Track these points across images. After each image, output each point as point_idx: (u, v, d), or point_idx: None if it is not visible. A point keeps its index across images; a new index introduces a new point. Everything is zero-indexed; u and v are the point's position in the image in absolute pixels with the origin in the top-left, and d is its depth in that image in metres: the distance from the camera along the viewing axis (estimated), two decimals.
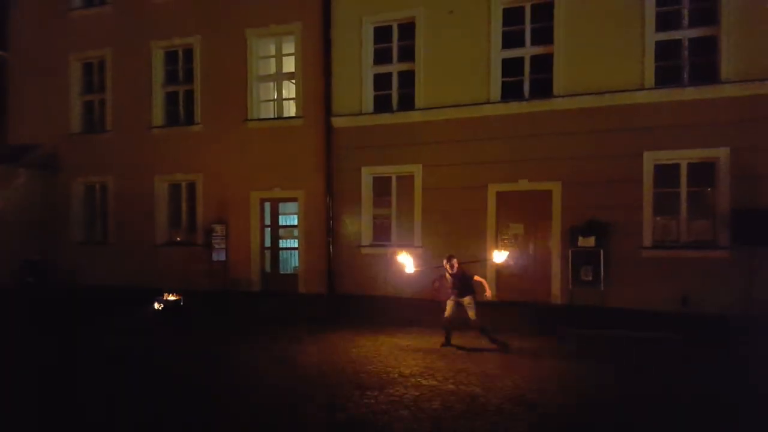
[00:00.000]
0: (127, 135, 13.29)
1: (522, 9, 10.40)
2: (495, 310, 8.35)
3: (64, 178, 13.90)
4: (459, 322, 7.45)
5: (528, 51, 10.42)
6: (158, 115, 13.23)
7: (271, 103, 12.65)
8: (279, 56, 12.33)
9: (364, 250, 11.44)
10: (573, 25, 9.99)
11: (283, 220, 12.66)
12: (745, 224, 8.72)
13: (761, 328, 7.70)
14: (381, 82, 11.49)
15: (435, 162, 10.90)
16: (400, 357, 6.67)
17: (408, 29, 11.13)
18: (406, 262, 8.00)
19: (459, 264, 7.94)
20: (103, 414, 4.76)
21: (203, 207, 12.72)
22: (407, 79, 11.23)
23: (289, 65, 12.22)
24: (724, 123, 9.19)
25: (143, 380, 5.82)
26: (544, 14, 10.21)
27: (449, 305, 7.88)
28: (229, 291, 11.90)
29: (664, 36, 9.62)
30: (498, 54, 10.52)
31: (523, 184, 10.38)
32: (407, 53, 11.18)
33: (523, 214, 10.47)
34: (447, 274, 7.90)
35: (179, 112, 13.18)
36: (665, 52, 9.66)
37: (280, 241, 12.58)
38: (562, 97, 10.06)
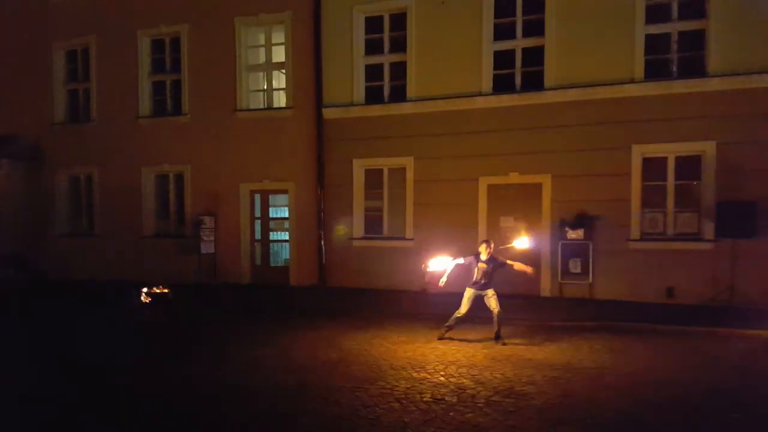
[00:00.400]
0: (112, 125, 13.07)
1: (514, 0, 10.38)
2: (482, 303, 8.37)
3: (48, 169, 13.67)
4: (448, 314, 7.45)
5: (519, 43, 10.42)
6: (145, 104, 13.03)
7: (261, 93, 12.52)
8: (269, 46, 12.18)
9: (356, 243, 11.45)
10: (564, 17, 10.01)
11: (273, 213, 12.60)
12: (729, 217, 8.88)
13: (740, 318, 7.88)
14: (372, 73, 11.42)
15: (427, 154, 10.90)
16: (391, 349, 6.71)
17: (400, 19, 11.05)
18: (437, 265, 7.42)
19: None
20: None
21: (192, 199, 12.60)
22: (399, 70, 11.18)
23: (279, 55, 12.08)
24: (711, 117, 9.31)
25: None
26: (535, 6, 10.20)
27: (468, 298, 7.16)
28: (218, 284, 11.85)
29: (654, 29, 9.69)
30: (490, 46, 10.50)
31: (514, 177, 10.43)
32: (399, 44, 11.12)
33: (514, 207, 10.54)
34: (480, 263, 7.08)
35: (166, 102, 12.99)
36: (655, 45, 9.74)
37: (271, 233, 12.53)
38: (553, 89, 10.10)
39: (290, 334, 7.63)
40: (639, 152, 9.76)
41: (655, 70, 9.73)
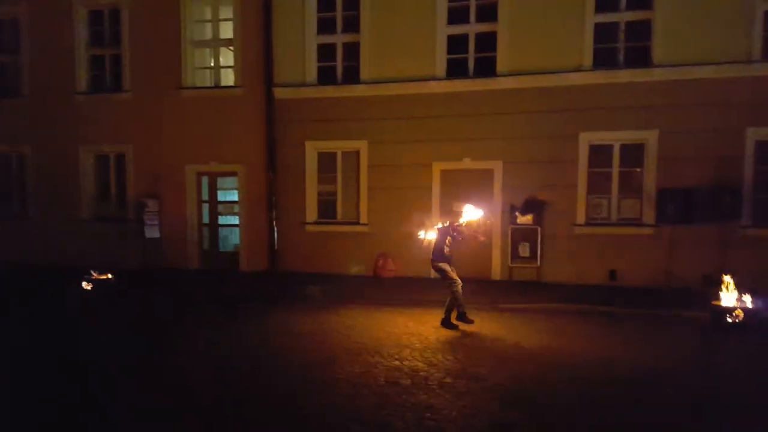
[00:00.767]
0: (46, 101, 12.19)
1: None
2: (436, 286, 8.45)
3: None
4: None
5: (473, 28, 10.42)
6: (82, 80, 12.22)
7: (208, 70, 12.00)
8: (216, 21, 11.66)
9: (309, 227, 11.25)
10: (517, 3, 10.08)
11: (222, 196, 12.19)
12: (669, 204, 9.31)
13: (677, 300, 8.31)
14: (325, 53, 11.14)
15: (381, 138, 10.80)
16: (345, 334, 6.65)
17: None
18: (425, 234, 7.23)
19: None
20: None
21: (134, 180, 12.00)
22: (352, 51, 10.96)
23: (227, 31, 11.60)
24: (655, 106, 9.66)
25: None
26: None
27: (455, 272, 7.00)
28: (164, 270, 11.38)
29: (602, 18, 9.90)
30: (444, 30, 10.45)
31: (467, 163, 10.51)
32: (352, 24, 10.88)
33: (466, 192, 10.59)
34: (455, 234, 6.95)
35: (106, 78, 12.24)
36: (604, 34, 9.96)
37: (220, 217, 12.14)
38: (505, 76, 10.19)
39: (240, 321, 7.43)
40: (586, 140, 10.03)
41: (603, 59, 9.98)
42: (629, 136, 9.92)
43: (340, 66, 11.08)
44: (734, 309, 6.85)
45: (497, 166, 10.36)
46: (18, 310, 8.30)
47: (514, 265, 10.29)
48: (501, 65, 10.24)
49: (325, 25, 11.06)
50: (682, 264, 9.42)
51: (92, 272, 9.62)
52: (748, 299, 6.95)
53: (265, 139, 11.22)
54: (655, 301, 8.36)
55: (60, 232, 12.03)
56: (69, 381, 5.05)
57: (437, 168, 10.63)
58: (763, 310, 6.83)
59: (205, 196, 11.99)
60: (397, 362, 5.47)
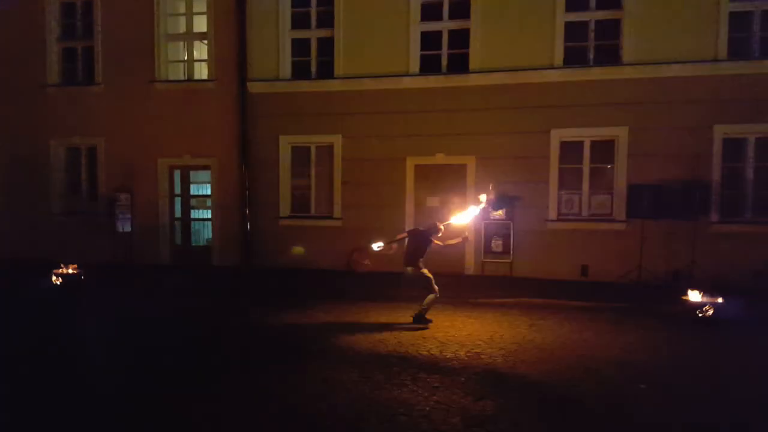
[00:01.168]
0: (16, 93, 11.96)
1: None
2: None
3: None
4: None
5: (446, 25, 10.46)
6: (53, 72, 12.02)
7: (181, 64, 11.89)
8: (189, 14, 11.55)
9: (283, 222, 11.19)
10: (489, 0, 10.13)
11: (194, 190, 12.07)
12: (638, 199, 9.43)
13: (647, 294, 8.40)
14: (300, 48, 11.11)
15: (355, 133, 10.78)
16: (319, 329, 6.59)
17: None
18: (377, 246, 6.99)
19: None
20: None
21: (105, 174, 11.83)
22: (327, 46, 10.94)
23: (201, 25, 11.49)
24: (624, 104, 9.78)
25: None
26: None
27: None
28: (135, 265, 11.23)
29: (573, 17, 10.01)
30: (417, 26, 10.48)
31: (440, 158, 10.53)
32: (327, 19, 10.86)
33: (440, 187, 10.65)
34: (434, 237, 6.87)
35: (77, 70, 12.06)
36: (574, 32, 10.07)
37: (192, 211, 12.02)
38: (478, 72, 10.24)
39: (213, 316, 7.32)
40: (557, 136, 10.12)
41: (574, 57, 10.08)
42: (600, 132, 10.02)
43: (314, 61, 11.05)
44: (704, 304, 6.92)
45: (470, 161, 10.41)
46: None
47: (486, 260, 10.33)
48: (474, 62, 10.29)
49: (300, 20, 11.03)
50: (653, 259, 9.54)
51: (61, 266, 9.44)
52: (716, 294, 7.02)
53: (238, 132, 11.14)
54: (626, 296, 8.43)
55: (29, 226, 11.81)
56: None
57: (411, 163, 10.64)
58: (732, 305, 6.90)
59: (177, 190, 11.87)
60: (370, 357, 5.43)
